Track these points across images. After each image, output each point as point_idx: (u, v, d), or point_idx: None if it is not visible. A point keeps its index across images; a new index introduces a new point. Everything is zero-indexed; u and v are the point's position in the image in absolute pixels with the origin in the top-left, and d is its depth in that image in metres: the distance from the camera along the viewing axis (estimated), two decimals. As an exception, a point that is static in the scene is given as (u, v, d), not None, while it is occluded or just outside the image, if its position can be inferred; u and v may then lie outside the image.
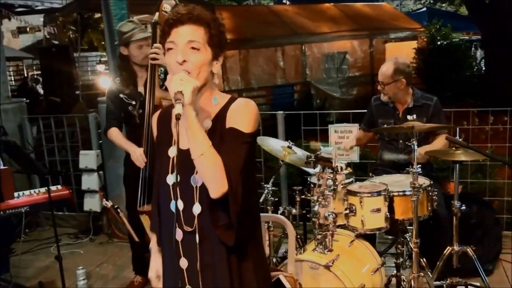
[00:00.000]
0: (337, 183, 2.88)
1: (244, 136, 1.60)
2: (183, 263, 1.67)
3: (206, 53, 1.60)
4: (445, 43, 12.87)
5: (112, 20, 4.40)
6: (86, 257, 4.41)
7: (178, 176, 1.61)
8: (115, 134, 3.32)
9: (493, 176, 4.59)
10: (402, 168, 3.43)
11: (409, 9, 28.71)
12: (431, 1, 40.54)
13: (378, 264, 2.91)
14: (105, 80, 11.60)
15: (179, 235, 1.66)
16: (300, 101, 11.57)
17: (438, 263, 2.98)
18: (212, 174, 1.52)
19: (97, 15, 9.35)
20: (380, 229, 2.89)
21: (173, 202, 1.65)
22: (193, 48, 1.57)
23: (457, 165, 2.90)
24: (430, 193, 2.99)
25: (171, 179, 1.65)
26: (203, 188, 1.59)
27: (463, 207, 2.99)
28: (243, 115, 1.62)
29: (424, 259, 3.17)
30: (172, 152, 1.66)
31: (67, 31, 9.88)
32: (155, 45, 3.00)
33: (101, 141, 4.88)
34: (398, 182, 3.11)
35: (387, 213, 2.85)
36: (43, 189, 3.53)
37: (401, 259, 3.15)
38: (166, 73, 3.18)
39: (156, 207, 1.77)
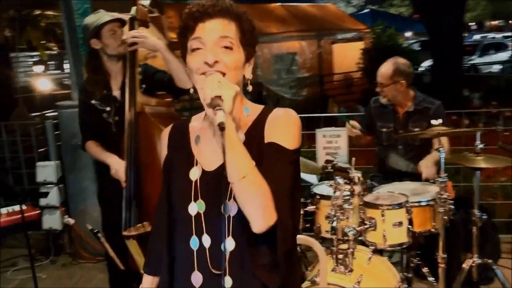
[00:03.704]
0: (355, 194, 2.63)
1: (289, 154, 1.30)
2: None
3: (239, 53, 1.31)
4: (390, 43, 13.11)
5: (73, 16, 3.92)
6: (49, 283, 3.90)
7: (204, 204, 1.32)
8: (93, 147, 2.90)
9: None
10: (402, 175, 3.25)
11: (340, 10, 29.43)
12: (362, 3, 41.91)
13: (398, 282, 2.69)
14: (43, 82, 10.85)
15: (197, 280, 1.33)
16: (253, 102, 11.35)
17: (459, 276, 2.81)
18: (257, 202, 1.21)
19: (37, 12, 8.64)
20: (402, 244, 2.67)
21: (193, 237, 1.32)
22: (225, 47, 1.29)
23: (478, 172, 2.74)
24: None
25: (194, 208, 1.33)
26: (238, 219, 1.27)
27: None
28: (286, 128, 1.33)
29: (426, 267, 3.03)
30: (195, 174, 1.35)
31: (3, 29, 9.07)
32: (129, 32, 2.65)
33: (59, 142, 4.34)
34: (409, 191, 2.91)
35: (409, 226, 2.63)
36: (4, 210, 3.05)
37: (411, 273, 2.98)
38: (145, 72, 2.80)
39: (163, 244, 1.43)
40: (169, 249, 1.43)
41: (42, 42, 9.10)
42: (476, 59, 18.46)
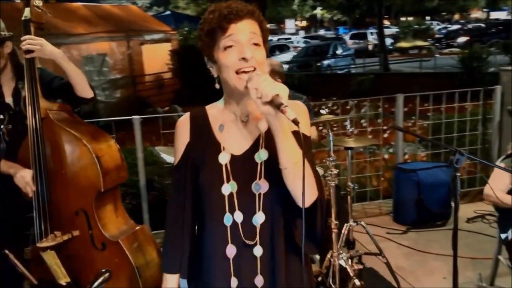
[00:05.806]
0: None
1: (310, 141, 1.51)
2: (233, 283, 1.51)
3: (263, 49, 1.45)
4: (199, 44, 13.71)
5: None
6: None
7: (236, 185, 1.49)
8: None
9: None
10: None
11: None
12: (148, 5, 42.18)
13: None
14: None
15: (231, 251, 1.51)
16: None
17: (340, 239, 3.35)
18: (307, 182, 1.34)
19: None
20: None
21: (227, 215, 1.49)
22: (254, 43, 1.42)
23: (350, 151, 3.31)
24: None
25: (227, 189, 1.49)
26: (267, 196, 1.48)
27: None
28: (305, 119, 1.51)
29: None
30: (225, 158, 1.51)
31: None
32: (26, 36, 2.52)
33: None
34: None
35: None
36: None
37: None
38: (40, 78, 2.69)
39: (185, 236, 1.58)
40: (191, 239, 1.58)
41: None
42: (266, 60, 20.41)
